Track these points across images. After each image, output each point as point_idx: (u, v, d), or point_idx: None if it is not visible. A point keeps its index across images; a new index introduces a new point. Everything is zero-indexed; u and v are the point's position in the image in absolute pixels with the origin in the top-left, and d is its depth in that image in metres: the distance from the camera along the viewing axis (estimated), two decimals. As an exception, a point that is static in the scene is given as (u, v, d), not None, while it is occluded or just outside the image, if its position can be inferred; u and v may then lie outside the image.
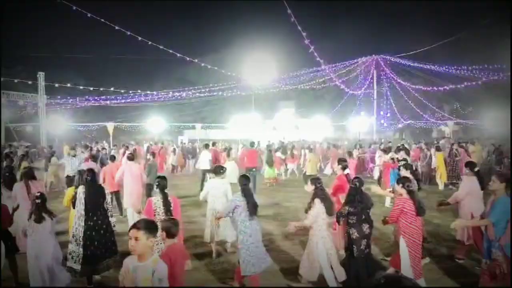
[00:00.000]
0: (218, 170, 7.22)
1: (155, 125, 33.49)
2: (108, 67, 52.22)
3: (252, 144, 14.52)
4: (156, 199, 5.39)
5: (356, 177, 5.64)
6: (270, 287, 5.57)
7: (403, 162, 7.70)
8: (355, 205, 5.22)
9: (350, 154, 13.00)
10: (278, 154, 17.37)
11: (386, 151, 11.92)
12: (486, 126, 33.81)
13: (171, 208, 5.35)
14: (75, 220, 5.67)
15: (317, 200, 5.24)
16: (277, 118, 44.92)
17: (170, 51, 20.20)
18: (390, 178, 10.21)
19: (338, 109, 41.09)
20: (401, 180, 5.32)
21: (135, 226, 3.04)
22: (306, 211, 5.35)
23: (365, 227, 5.21)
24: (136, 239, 2.95)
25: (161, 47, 19.69)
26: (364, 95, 39.48)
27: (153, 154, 12.09)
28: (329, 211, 5.28)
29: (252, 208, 5.15)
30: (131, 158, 9.40)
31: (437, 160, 11.78)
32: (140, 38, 17.77)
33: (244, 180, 5.42)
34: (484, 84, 31.97)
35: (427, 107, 38.24)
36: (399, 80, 35.89)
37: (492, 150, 15.85)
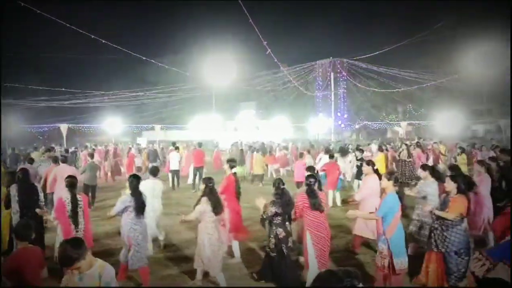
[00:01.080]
0: (154, 170, 7.59)
1: (112, 126, 32.63)
2: (62, 67, 50.17)
3: (199, 144, 15.23)
4: (66, 197, 5.44)
5: (278, 178, 5.80)
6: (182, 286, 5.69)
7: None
8: (280, 206, 5.39)
9: (301, 155, 13.23)
10: (258, 154, 17.04)
11: (328, 152, 12.35)
12: (437, 126, 35.51)
13: (79, 207, 5.43)
14: (13, 216, 5.93)
15: (204, 199, 5.41)
16: (238, 119, 45.05)
17: (126, 50, 19.77)
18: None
19: (298, 110, 41.79)
20: (306, 176, 5.59)
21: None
22: (194, 207, 5.52)
23: (289, 226, 5.47)
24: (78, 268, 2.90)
25: (117, 46, 19.22)
26: (323, 97, 40.41)
27: (92, 155, 12.22)
28: (216, 210, 5.42)
29: (139, 208, 5.48)
30: (64, 160, 9.64)
31: (378, 160, 12.24)
32: (93, 37, 17.26)
33: (208, 180, 5.60)
34: (433, 87, 33.68)
35: (382, 109, 39.69)
36: (355, 82, 37.03)
37: (460, 152, 15.62)
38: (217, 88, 34.98)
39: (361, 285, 1.81)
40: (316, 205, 5.31)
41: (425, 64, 34.58)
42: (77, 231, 5.30)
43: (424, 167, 7.05)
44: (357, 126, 42.03)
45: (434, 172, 6.90)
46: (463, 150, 14.88)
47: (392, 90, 34.33)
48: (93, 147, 21.79)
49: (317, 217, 5.34)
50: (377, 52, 34.20)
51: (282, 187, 5.53)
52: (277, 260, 5.38)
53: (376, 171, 7.33)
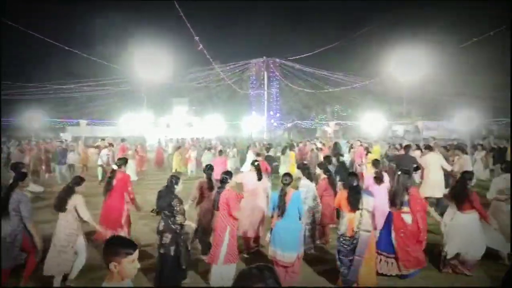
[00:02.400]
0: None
1: (32, 120, 30.23)
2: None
3: (122, 140, 15.91)
4: None
5: (172, 175, 5.71)
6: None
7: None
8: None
9: (220, 153, 13.44)
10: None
11: (259, 154, 12.67)
12: (361, 126, 37.59)
13: None
14: None
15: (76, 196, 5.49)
16: (170, 116, 44.14)
17: (49, 40, 18.38)
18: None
19: (232, 108, 41.95)
20: (224, 174, 5.75)
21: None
22: None
23: (166, 220, 5.23)
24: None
25: (40, 36, 17.78)
26: (256, 95, 40.96)
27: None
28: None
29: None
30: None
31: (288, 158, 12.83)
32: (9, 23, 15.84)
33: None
34: (359, 89, 35.68)
35: (312, 109, 41.18)
36: (287, 82, 38.02)
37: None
38: (149, 83, 33.99)
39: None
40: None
41: (351, 66, 36.52)
42: None
43: (299, 166, 7.36)
44: (289, 125, 43.18)
45: (304, 171, 7.03)
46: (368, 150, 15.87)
47: (321, 91, 35.78)
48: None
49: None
50: (308, 54, 35.41)
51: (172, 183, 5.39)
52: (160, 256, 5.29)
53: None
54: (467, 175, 6.01)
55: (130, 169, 14.27)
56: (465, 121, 26.92)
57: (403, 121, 38.82)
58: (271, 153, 14.88)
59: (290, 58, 38.23)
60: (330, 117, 42.89)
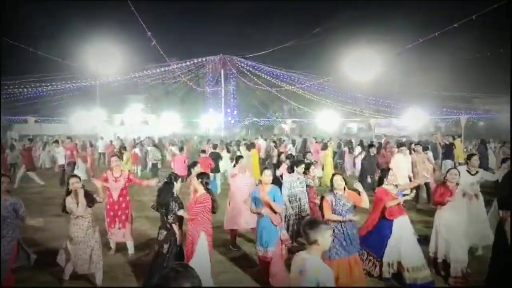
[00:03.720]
0: None
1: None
2: None
3: (69, 137, 15.29)
4: None
5: (172, 173, 5.78)
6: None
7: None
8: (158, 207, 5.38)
9: (181, 149, 13.28)
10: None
11: (204, 151, 12.99)
12: (318, 124, 38.33)
13: None
14: None
15: (68, 198, 5.45)
16: (126, 113, 42.96)
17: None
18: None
19: (189, 105, 41.42)
20: (200, 176, 5.40)
21: None
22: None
23: (163, 233, 5.24)
24: None
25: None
26: (213, 93, 40.70)
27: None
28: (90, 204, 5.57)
29: None
30: None
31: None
32: None
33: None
34: (315, 87, 36.33)
35: (269, 106, 41.47)
36: (244, 80, 38.04)
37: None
38: (102, 79, 32.89)
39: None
40: (216, 208, 5.33)
41: (307, 65, 37.15)
42: None
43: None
44: (246, 123, 43.27)
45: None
46: (326, 146, 16.33)
47: (277, 89, 36.11)
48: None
49: (210, 217, 5.34)
50: (264, 52, 35.63)
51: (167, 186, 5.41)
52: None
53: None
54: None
55: (81, 169, 13.81)
56: (414, 119, 28.18)
57: (356, 119, 39.97)
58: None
59: (247, 56, 38.31)
60: (287, 114, 43.40)
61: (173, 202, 5.21)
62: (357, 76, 31.38)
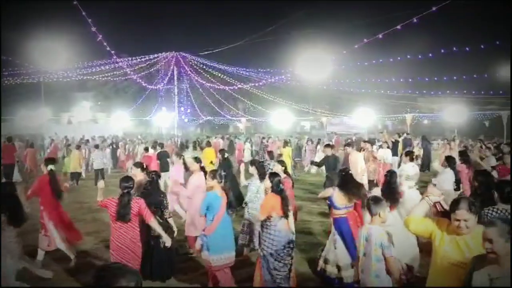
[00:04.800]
0: None
1: None
2: None
3: (9, 139, 14.29)
4: None
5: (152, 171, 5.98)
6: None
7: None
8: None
9: (146, 149, 13.00)
10: (75, 151, 15.51)
11: (154, 147, 12.99)
12: (272, 122, 38.65)
13: None
14: None
15: None
16: (74, 111, 41.17)
17: None
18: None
19: (141, 103, 40.28)
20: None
21: None
22: None
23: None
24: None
25: None
26: (166, 91, 39.87)
27: None
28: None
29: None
30: None
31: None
32: None
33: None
34: (269, 86, 36.66)
35: (224, 105, 41.26)
36: (197, 78, 37.53)
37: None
38: (47, 76, 31.23)
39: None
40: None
41: (262, 63, 37.39)
42: None
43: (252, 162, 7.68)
44: (201, 121, 42.83)
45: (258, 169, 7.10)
46: (286, 143, 16.52)
47: (232, 87, 36.03)
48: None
49: None
50: (218, 49, 35.30)
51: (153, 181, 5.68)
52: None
53: (202, 168, 7.31)
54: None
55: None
56: (363, 117, 29.19)
57: (309, 118, 40.78)
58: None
59: (201, 54, 37.80)
60: (242, 113, 43.43)
61: (164, 199, 5.59)
62: (309, 75, 31.93)
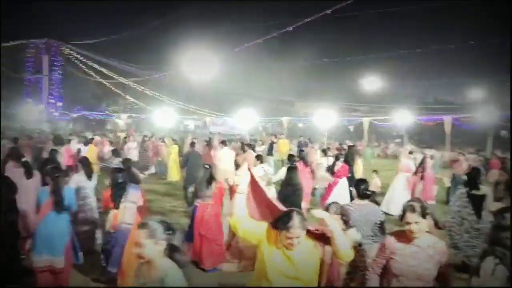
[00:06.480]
0: None
1: None
2: None
3: None
4: None
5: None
6: None
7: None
8: None
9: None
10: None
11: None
12: (155, 120, 37.42)
13: None
14: None
15: None
16: None
17: None
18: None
19: (3, 93, 35.31)
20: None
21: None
22: None
23: None
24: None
25: None
26: (33, 81, 35.73)
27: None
28: None
29: None
30: None
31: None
32: None
33: None
34: (154, 82, 35.64)
35: (102, 99, 38.72)
36: (72, 70, 34.55)
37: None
38: None
39: None
40: None
41: (144, 59, 36.00)
42: None
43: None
44: (74, 116, 39.39)
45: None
46: (176, 142, 16.71)
47: (111, 81, 34.04)
48: None
49: None
50: (97, 40, 33.12)
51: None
52: None
53: None
54: None
55: None
56: (245, 119, 30.30)
57: (193, 117, 40.73)
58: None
59: (77, 43, 34.93)
60: (122, 109, 41.30)
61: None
62: (194, 74, 31.88)
